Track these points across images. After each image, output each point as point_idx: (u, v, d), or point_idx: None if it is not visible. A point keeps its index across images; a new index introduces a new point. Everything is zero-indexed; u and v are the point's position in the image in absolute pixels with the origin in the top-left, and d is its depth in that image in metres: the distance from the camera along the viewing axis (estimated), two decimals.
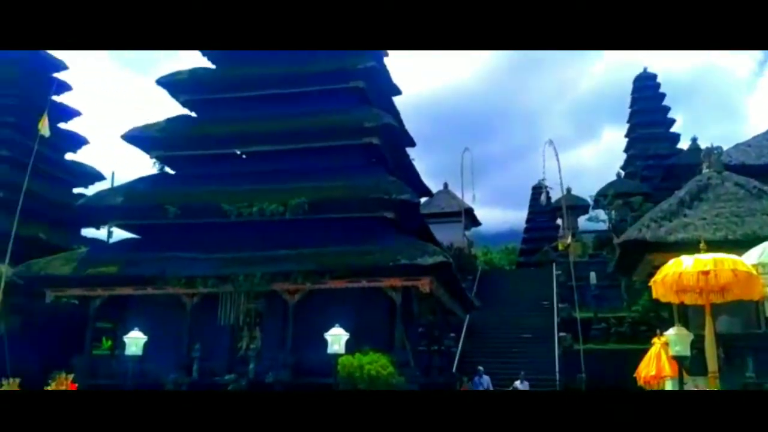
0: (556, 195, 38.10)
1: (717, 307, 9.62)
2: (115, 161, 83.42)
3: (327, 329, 14.50)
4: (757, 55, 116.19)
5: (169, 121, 21.08)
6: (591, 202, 39.79)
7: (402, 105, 23.80)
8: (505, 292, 31.19)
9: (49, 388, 12.84)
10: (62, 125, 26.92)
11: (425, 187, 24.89)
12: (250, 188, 18.82)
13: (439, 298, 19.29)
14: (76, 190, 27.03)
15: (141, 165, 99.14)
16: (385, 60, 23.49)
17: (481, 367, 20.32)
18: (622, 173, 44.16)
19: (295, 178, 19.01)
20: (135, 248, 19.52)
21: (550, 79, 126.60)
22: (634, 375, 12.82)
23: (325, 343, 14.28)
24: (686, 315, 14.75)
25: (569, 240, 30.03)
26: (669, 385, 12.33)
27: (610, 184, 39.93)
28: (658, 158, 41.72)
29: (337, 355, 14.43)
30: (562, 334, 25.08)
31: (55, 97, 25.39)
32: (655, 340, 12.49)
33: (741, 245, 12.36)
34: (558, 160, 29.42)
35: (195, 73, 21.68)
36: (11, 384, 13.08)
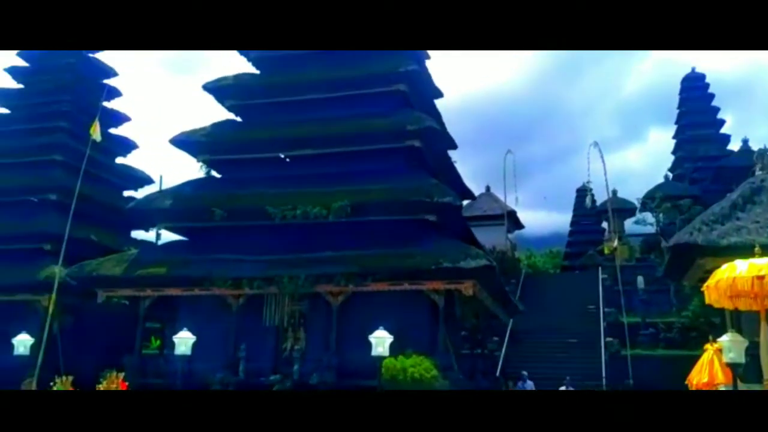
0: (601, 198, 37.54)
1: None
2: (164, 165, 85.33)
3: (370, 331, 14.56)
4: None
5: (215, 125, 21.47)
6: (638, 205, 39.02)
7: (444, 107, 23.75)
8: (550, 296, 30.78)
9: (100, 386, 13.18)
10: (113, 130, 27.67)
11: (467, 190, 24.77)
12: (293, 191, 19.02)
13: (483, 302, 19.15)
14: (126, 193, 27.73)
15: (188, 169, 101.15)
16: (427, 63, 23.53)
17: (525, 372, 20.11)
18: (670, 176, 43.22)
19: (337, 181, 19.14)
20: (183, 250, 19.92)
21: (595, 81, 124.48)
22: (685, 382, 12.51)
23: (368, 344, 14.34)
24: (739, 321, 14.30)
25: (615, 243, 29.49)
26: None
27: (658, 187, 39.13)
28: (707, 160, 40.78)
29: (381, 358, 14.47)
30: (608, 339, 24.61)
31: (106, 103, 26.09)
32: (707, 346, 12.18)
33: None
34: (603, 162, 28.95)
35: (240, 78, 22.04)
36: (64, 382, 13.47)
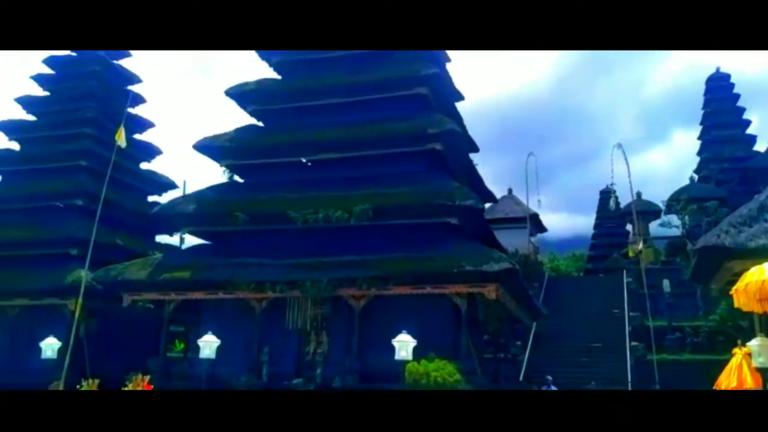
0: (625, 200, 37.10)
1: None
2: (187, 170, 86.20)
3: (392, 335, 14.53)
4: None
5: (237, 130, 21.64)
6: (663, 207, 38.53)
7: (465, 110, 23.69)
8: (574, 299, 30.46)
9: (126, 388, 13.32)
10: (137, 136, 28.05)
11: (489, 193, 24.64)
12: (315, 195, 19.09)
13: (506, 305, 19.03)
14: (150, 198, 28.07)
15: (211, 173, 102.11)
16: (448, 66, 23.48)
17: (549, 377, 19.91)
18: (696, 177, 42.61)
19: (359, 184, 19.17)
20: (206, 254, 20.08)
21: (617, 82, 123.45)
22: (713, 387, 12.28)
23: (390, 348, 14.32)
24: None
25: (640, 246, 29.08)
26: None
27: (683, 189, 38.63)
28: (733, 161, 40.18)
29: (404, 362, 14.43)
30: (634, 343, 24.30)
31: (130, 109, 26.45)
32: (736, 350, 11.92)
33: None
34: (627, 164, 28.56)
35: (262, 84, 22.19)
36: (90, 384, 13.66)
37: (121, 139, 19.86)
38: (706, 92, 45.16)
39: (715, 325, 24.05)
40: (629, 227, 39.80)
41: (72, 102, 26.42)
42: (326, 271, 17.61)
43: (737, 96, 44.09)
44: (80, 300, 17.12)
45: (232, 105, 22.38)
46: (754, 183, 28.65)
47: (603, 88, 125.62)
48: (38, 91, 27.64)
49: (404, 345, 14.19)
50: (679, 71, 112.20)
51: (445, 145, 19.53)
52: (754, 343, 9.66)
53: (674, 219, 37.76)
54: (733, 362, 11.80)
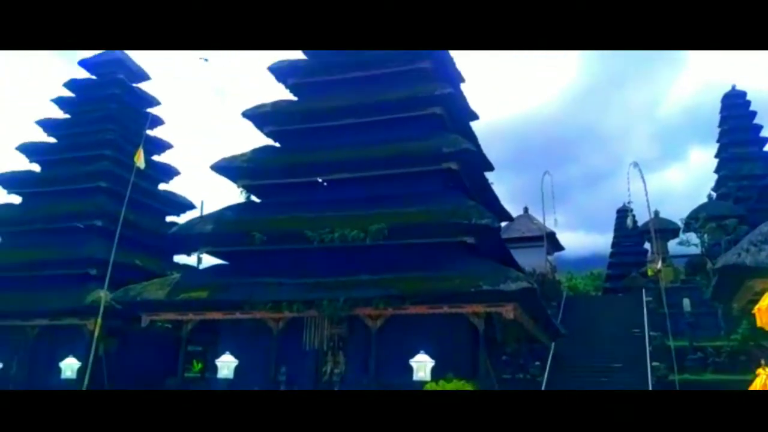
0: (642, 218, 36.81)
1: None
2: (205, 190, 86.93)
3: (409, 355, 14.47)
4: None
5: (254, 151, 21.84)
6: (681, 226, 38.16)
7: (480, 129, 23.78)
8: (592, 319, 30.12)
9: None
10: (156, 157, 28.38)
11: (505, 212, 24.59)
12: (331, 215, 19.16)
13: (524, 325, 18.88)
14: (168, 219, 28.29)
15: (229, 193, 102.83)
16: (462, 86, 23.61)
17: None
18: (714, 195, 42.21)
19: (375, 204, 19.22)
20: (224, 274, 20.18)
21: (632, 101, 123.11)
22: None
23: (408, 368, 14.25)
24: None
25: (659, 265, 28.77)
26: None
27: (702, 207, 38.23)
28: (751, 179, 39.80)
29: (422, 382, 14.35)
30: (654, 363, 23.92)
31: (149, 131, 26.80)
32: (759, 371, 11.74)
33: None
34: (644, 182, 28.38)
35: (278, 105, 22.42)
36: None
37: (139, 161, 20.18)
38: (723, 110, 44.86)
39: (737, 345, 23.64)
40: (647, 246, 39.43)
41: (92, 124, 26.79)
42: (343, 291, 17.61)
43: (754, 113, 43.76)
44: (99, 320, 17.28)
45: (249, 126, 22.62)
46: None
47: (618, 107, 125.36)
48: (59, 114, 28.10)
49: (422, 366, 14.14)
50: (694, 89, 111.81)
51: (460, 164, 19.57)
52: None
53: (693, 237, 37.39)
54: (757, 382, 11.61)
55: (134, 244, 23.44)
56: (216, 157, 21.77)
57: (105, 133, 26.44)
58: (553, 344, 25.52)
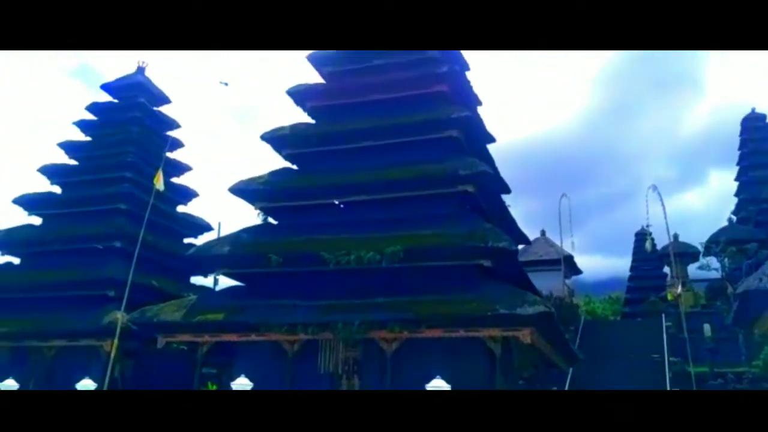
0: (661, 242, 36.45)
1: None
2: (223, 212, 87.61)
3: (425, 379, 14.34)
4: None
5: (272, 174, 21.98)
6: (701, 249, 37.73)
7: (497, 152, 23.73)
8: (611, 344, 29.70)
9: None
10: (175, 180, 28.69)
11: (522, 235, 24.46)
12: (348, 237, 19.16)
13: (541, 350, 18.67)
14: (186, 240, 28.47)
15: (246, 215, 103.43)
16: (479, 109, 23.68)
17: None
18: (734, 218, 41.75)
19: (391, 226, 19.21)
20: (240, 296, 20.21)
21: (650, 124, 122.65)
22: None
23: None
24: None
25: (679, 289, 28.40)
26: None
27: (722, 230, 37.83)
28: None
29: None
30: (675, 389, 23.53)
31: (168, 154, 27.13)
32: None
33: None
34: (663, 205, 28.14)
35: (296, 128, 22.59)
36: None
37: (159, 183, 20.43)
38: (742, 132, 44.59)
39: (759, 371, 23.16)
40: (667, 269, 38.97)
41: (113, 147, 27.17)
42: (358, 313, 17.54)
43: None
44: (116, 341, 17.34)
45: (267, 149, 22.80)
46: None
47: (636, 130, 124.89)
48: (80, 137, 28.56)
49: None
50: (713, 112, 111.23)
51: (477, 187, 19.55)
52: None
53: (713, 261, 36.96)
54: None
55: (152, 265, 23.59)
56: (234, 180, 21.97)
57: (125, 155, 26.77)
58: (570, 369, 25.19)
